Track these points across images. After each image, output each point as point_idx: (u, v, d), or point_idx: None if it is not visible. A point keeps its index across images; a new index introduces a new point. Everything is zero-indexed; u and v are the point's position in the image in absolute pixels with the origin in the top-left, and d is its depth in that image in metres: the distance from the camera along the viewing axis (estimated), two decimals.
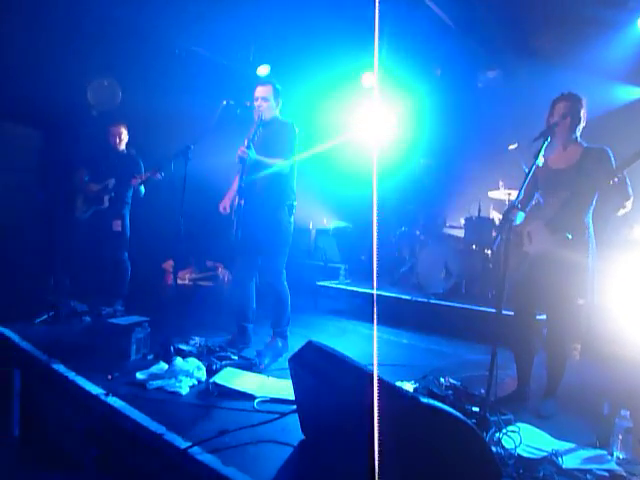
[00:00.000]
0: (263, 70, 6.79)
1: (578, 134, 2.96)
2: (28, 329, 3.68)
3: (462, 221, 6.07)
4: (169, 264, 6.51)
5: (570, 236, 2.75)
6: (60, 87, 5.21)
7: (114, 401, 2.52)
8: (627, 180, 2.72)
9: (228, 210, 3.74)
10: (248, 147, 3.46)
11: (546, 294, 2.89)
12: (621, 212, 2.78)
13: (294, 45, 6.29)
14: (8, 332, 3.60)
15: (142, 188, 5.00)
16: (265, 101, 3.69)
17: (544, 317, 3.11)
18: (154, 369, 3.00)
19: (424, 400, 1.63)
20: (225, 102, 3.54)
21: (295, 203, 3.73)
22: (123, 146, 5.18)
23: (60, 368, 2.94)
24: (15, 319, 3.89)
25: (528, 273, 2.94)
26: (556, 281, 2.81)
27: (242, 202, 3.57)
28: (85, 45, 5.34)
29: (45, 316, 4.20)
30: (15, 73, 5.03)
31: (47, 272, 5.38)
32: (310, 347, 2.12)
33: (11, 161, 5.65)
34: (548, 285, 2.85)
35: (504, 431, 2.29)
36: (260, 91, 3.74)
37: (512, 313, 3.04)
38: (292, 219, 3.72)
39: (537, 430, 2.53)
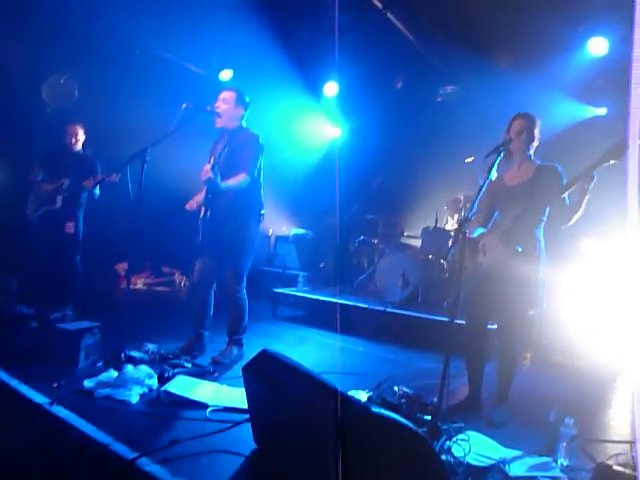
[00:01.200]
0: (225, 75, 6.83)
1: (532, 152, 3.06)
2: None
3: (419, 231, 6.16)
4: (122, 267, 6.44)
5: (520, 249, 2.83)
6: (14, 82, 5.19)
7: (59, 410, 2.44)
8: (567, 201, 2.82)
9: (194, 207, 3.68)
10: (214, 174, 3.39)
11: (497, 305, 2.97)
12: (570, 224, 2.86)
13: (257, 52, 6.30)
14: None
15: (97, 190, 4.86)
16: (225, 104, 3.65)
17: (495, 327, 3.18)
18: (103, 377, 2.89)
19: (375, 409, 1.64)
20: (185, 105, 3.44)
21: (263, 212, 3.75)
22: (79, 146, 5.07)
23: (2, 375, 2.84)
24: None
25: (480, 284, 3.01)
26: (507, 292, 2.88)
27: (208, 213, 3.57)
28: (42, 41, 5.27)
29: None
30: None
31: None
32: (264, 355, 2.11)
33: None
34: (499, 296, 2.92)
35: (454, 439, 2.32)
36: (223, 95, 3.72)
37: (464, 322, 3.10)
38: (260, 227, 3.75)
39: (486, 438, 2.57)
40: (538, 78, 5.33)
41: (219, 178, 3.41)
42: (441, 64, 6.44)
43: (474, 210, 2.70)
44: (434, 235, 5.88)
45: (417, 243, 6.29)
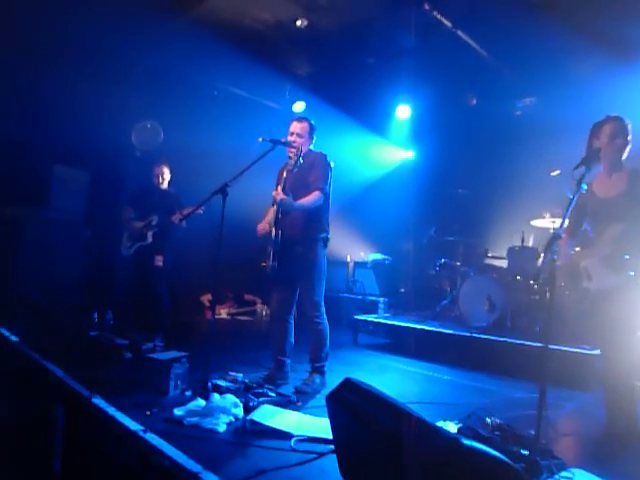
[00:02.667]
0: (299, 107, 6.96)
1: (624, 157, 2.88)
2: (72, 364, 3.71)
3: (505, 251, 5.90)
4: (207, 298, 6.59)
5: (633, 273, 2.66)
6: (106, 130, 5.52)
7: (152, 437, 2.52)
8: None
9: (266, 229, 3.69)
10: (286, 193, 3.48)
11: (603, 328, 2.79)
12: None
13: (328, 81, 6.43)
14: (52, 367, 3.64)
15: (183, 224, 4.96)
16: (300, 137, 3.74)
17: (598, 352, 2.98)
18: (191, 405, 2.95)
19: (467, 442, 1.55)
20: (261, 139, 3.54)
21: (329, 236, 3.74)
22: (165, 184, 5.30)
23: (101, 403, 2.96)
24: (60, 353, 3.96)
25: (592, 310, 2.82)
26: (616, 315, 2.71)
27: (279, 233, 3.56)
28: (129, 91, 5.68)
29: (89, 351, 4.27)
30: (65, 119, 5.30)
31: (91, 307, 5.29)
32: (348, 385, 2.06)
33: (62, 202, 6.00)
34: (606, 319, 2.75)
35: (556, 477, 2.17)
36: (295, 126, 3.79)
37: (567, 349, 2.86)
38: (325, 252, 3.71)
39: (593, 476, 2.35)
40: (624, 85, 5.05)
41: (291, 198, 3.46)
42: (517, 77, 6.26)
43: (564, 225, 2.54)
44: (521, 254, 5.61)
45: (502, 264, 6.03)
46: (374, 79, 6.42)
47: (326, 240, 3.71)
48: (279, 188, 3.52)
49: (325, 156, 3.71)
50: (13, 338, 4.39)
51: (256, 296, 7.26)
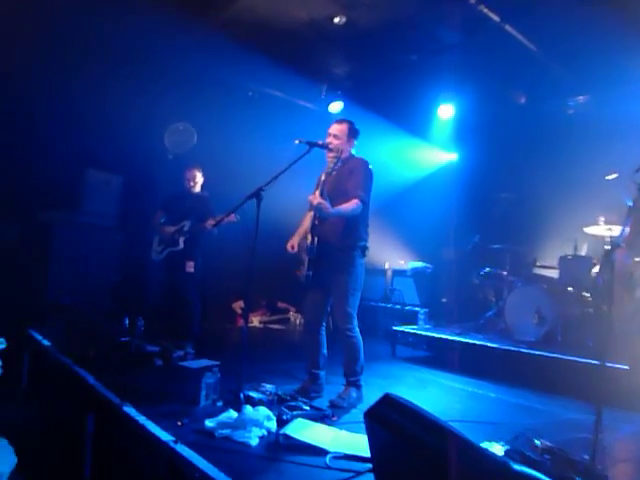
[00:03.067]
0: (336, 107, 6.90)
1: None
2: (103, 370, 3.78)
3: (556, 260, 5.73)
4: (239, 305, 6.62)
5: None
6: (139, 133, 5.64)
7: (182, 449, 2.54)
8: None
9: (295, 249, 3.73)
10: (323, 198, 3.46)
11: None
12: None
13: (367, 80, 6.37)
14: (83, 373, 3.71)
15: (215, 230, 5.01)
16: (337, 139, 3.71)
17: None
18: (223, 417, 2.95)
19: (517, 467, 1.51)
20: (297, 141, 3.54)
21: (368, 245, 3.71)
22: (198, 188, 5.34)
23: (131, 412, 3.00)
24: (91, 360, 4.05)
25: None
26: None
27: (315, 240, 3.56)
28: (162, 93, 5.71)
29: (120, 357, 4.35)
30: (97, 122, 5.45)
31: (122, 313, 5.46)
32: (387, 401, 2.00)
33: (95, 206, 6.14)
34: None
35: None
36: (334, 128, 3.77)
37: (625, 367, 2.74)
38: (364, 261, 3.69)
39: None
40: None
41: (328, 204, 3.43)
42: (569, 73, 6.10)
43: (624, 234, 2.43)
44: (574, 264, 5.44)
45: (553, 274, 5.86)
46: (415, 77, 6.34)
47: (364, 249, 3.68)
48: (316, 193, 3.52)
49: (367, 163, 3.67)
50: (45, 343, 4.48)
51: (289, 304, 7.28)
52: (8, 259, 5.42)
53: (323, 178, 3.71)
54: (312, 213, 3.62)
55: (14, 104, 5.26)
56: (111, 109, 5.43)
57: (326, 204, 3.39)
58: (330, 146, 3.67)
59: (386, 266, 7.32)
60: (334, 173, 3.69)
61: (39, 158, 5.61)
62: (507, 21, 5.45)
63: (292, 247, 3.75)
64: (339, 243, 3.58)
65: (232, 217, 4.41)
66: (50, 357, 4.17)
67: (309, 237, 3.59)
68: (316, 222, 3.58)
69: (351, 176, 3.60)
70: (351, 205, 3.49)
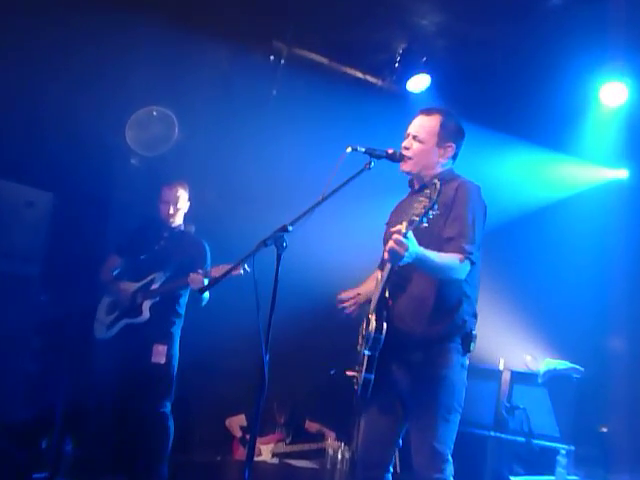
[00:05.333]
0: (418, 84, 6.44)
1: None
2: None
3: None
4: (236, 422, 6.41)
5: None
6: (82, 124, 5.43)
7: None
8: None
9: (352, 309, 3.65)
10: (405, 235, 3.04)
11: None
12: None
13: (472, 36, 6.04)
14: None
15: (206, 294, 4.82)
16: (420, 143, 3.52)
17: None
18: None
19: None
20: (349, 149, 3.32)
21: (475, 331, 3.43)
22: (179, 219, 5.16)
23: None
24: None
25: None
26: None
27: (383, 325, 3.30)
28: (128, 64, 5.61)
29: None
30: (15, 111, 5.37)
31: (39, 429, 5.37)
32: None
33: (7, 240, 5.78)
34: None
35: None
36: (416, 124, 3.58)
37: None
38: (467, 361, 3.46)
39: None
40: None
41: (413, 242, 3.08)
42: None
43: None
44: None
45: None
46: (557, 35, 5.82)
47: (469, 339, 3.44)
48: (399, 227, 3.12)
49: (478, 190, 3.52)
50: None
51: (326, 425, 6.93)
52: None
53: (407, 209, 3.53)
54: (385, 273, 3.38)
55: None
56: (34, 86, 5.34)
57: (414, 244, 3.09)
58: (407, 152, 3.51)
59: (500, 366, 6.73)
60: (415, 204, 3.37)
61: None
62: None
63: (354, 304, 3.67)
64: (426, 329, 3.39)
65: (238, 270, 4.24)
66: None
67: (372, 320, 3.35)
68: (386, 294, 3.37)
69: (448, 212, 3.43)
70: (452, 260, 3.29)
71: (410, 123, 3.59)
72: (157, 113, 6.00)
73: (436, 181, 3.15)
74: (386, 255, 3.11)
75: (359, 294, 3.70)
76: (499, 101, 6.31)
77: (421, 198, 3.26)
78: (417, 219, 3.13)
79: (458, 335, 3.37)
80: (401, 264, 3.10)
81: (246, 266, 4.21)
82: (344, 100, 6.31)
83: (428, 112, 3.59)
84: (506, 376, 6.48)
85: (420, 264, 3.15)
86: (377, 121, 5.69)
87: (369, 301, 3.58)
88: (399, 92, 6.56)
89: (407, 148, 3.50)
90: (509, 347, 6.64)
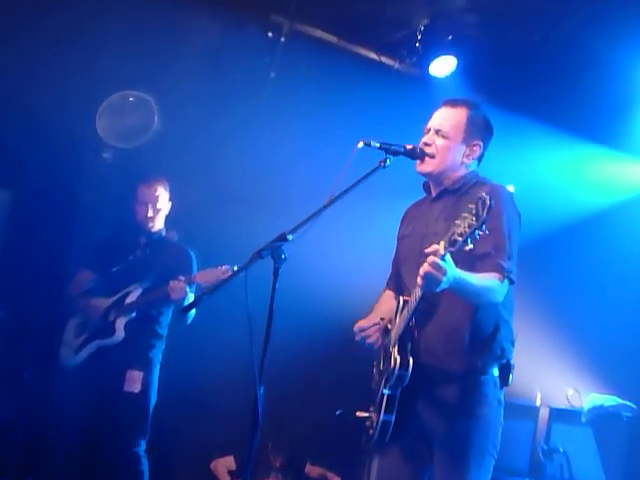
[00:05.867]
0: (442, 67, 6.23)
1: None
2: None
3: None
4: (225, 465, 6.23)
5: None
6: (45, 112, 5.42)
7: None
8: None
9: (376, 338, 3.50)
10: (443, 258, 2.97)
11: None
12: None
13: (505, 12, 5.82)
14: None
15: (192, 311, 4.76)
16: (444, 138, 3.47)
17: None
18: None
19: None
20: (361, 143, 3.26)
21: (512, 360, 3.40)
22: (159, 223, 5.12)
23: None
24: None
25: None
26: None
27: (409, 360, 3.24)
28: (97, 40, 5.51)
29: None
30: None
31: None
32: None
33: None
34: None
35: None
36: (440, 117, 3.54)
37: None
38: (503, 396, 3.39)
39: None
40: None
41: (451, 265, 2.98)
42: None
43: None
44: None
45: None
46: (602, 15, 5.56)
47: (507, 370, 3.38)
48: (441, 245, 3.04)
49: (512, 197, 3.50)
50: None
51: (330, 470, 6.71)
52: None
53: (427, 216, 3.61)
54: (410, 301, 3.30)
55: None
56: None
57: (452, 268, 2.99)
58: (429, 153, 3.47)
59: (537, 401, 6.62)
60: (436, 212, 3.52)
61: None
62: None
63: (373, 335, 3.53)
64: (461, 362, 3.32)
65: (224, 271, 4.49)
66: None
67: (395, 354, 3.30)
68: (411, 322, 3.28)
69: (488, 230, 3.19)
70: (491, 281, 3.22)
71: (432, 116, 3.50)
72: (134, 98, 5.90)
73: (485, 196, 2.90)
74: (420, 280, 2.93)
75: (382, 319, 3.53)
76: (537, 88, 6.15)
77: (465, 214, 2.96)
78: (460, 239, 2.89)
79: (495, 366, 3.27)
80: (437, 291, 2.96)
81: (232, 268, 4.31)
82: (354, 85, 6.17)
83: (453, 104, 3.50)
84: (544, 413, 6.33)
85: (457, 289, 3.00)
86: (393, 111, 5.54)
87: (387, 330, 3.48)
88: (420, 76, 6.37)
89: (428, 144, 3.41)
90: (547, 379, 6.52)
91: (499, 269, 3.11)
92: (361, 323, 3.50)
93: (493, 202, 3.03)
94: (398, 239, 3.66)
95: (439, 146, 3.39)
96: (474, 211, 2.92)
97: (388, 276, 3.64)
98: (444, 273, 2.81)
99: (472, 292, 3.10)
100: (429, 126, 3.46)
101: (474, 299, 3.18)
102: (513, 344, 3.36)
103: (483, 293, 3.14)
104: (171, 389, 5.24)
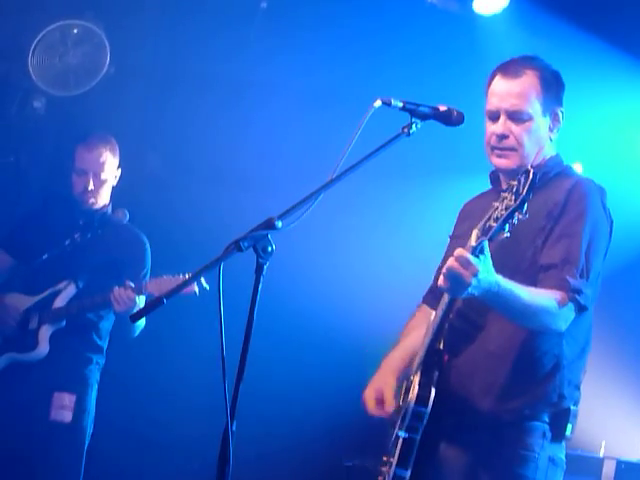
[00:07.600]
0: (491, 2, 5.64)
1: None
2: None
3: None
4: None
5: None
6: None
7: None
8: None
9: (388, 410, 3.22)
10: (476, 252, 2.69)
11: None
12: None
13: None
14: None
15: (142, 321, 4.47)
16: (527, 121, 3.21)
17: None
18: None
19: None
20: (380, 102, 2.85)
21: (575, 406, 3.14)
22: (104, 199, 4.83)
23: None
24: None
25: None
26: None
27: (430, 396, 3.02)
28: None
29: None
30: None
31: None
32: None
33: None
34: None
35: None
36: (508, 93, 3.25)
37: None
38: (562, 453, 3.15)
39: None
40: None
41: (491, 269, 2.73)
42: None
43: None
44: None
45: None
46: None
47: (564, 419, 3.09)
48: (473, 236, 2.79)
49: (602, 196, 3.19)
50: None
51: None
52: None
53: (487, 211, 3.05)
54: (442, 309, 3.05)
55: None
56: None
57: (488, 268, 2.70)
58: (509, 146, 3.27)
59: (601, 452, 6.25)
60: (496, 203, 2.94)
61: None
62: None
63: (387, 410, 3.24)
64: (500, 403, 3.08)
65: (189, 288, 4.07)
66: None
67: (415, 383, 3.12)
68: (440, 345, 3.18)
69: (552, 224, 3.15)
70: (547, 300, 2.89)
71: (489, 91, 3.21)
72: (78, 30, 5.40)
73: (529, 167, 2.69)
74: (442, 281, 2.68)
75: (391, 406, 3.24)
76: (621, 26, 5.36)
77: (504, 194, 2.77)
78: (494, 225, 2.67)
79: (546, 412, 3.03)
80: (464, 297, 2.79)
81: (203, 281, 4.11)
82: (368, 19, 5.67)
83: (517, 70, 3.19)
84: (609, 467, 5.81)
85: (495, 301, 2.79)
86: (421, 58, 5.15)
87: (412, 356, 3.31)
88: (460, 14, 5.83)
89: (505, 136, 3.14)
90: (614, 425, 6.17)
91: (564, 287, 2.84)
92: (368, 395, 3.20)
93: (573, 196, 3.04)
94: (450, 239, 3.37)
95: (519, 135, 3.12)
96: (514, 188, 2.70)
97: (428, 287, 3.35)
98: (474, 273, 2.53)
99: (517, 309, 2.82)
100: (495, 107, 3.15)
101: (521, 320, 2.90)
102: (578, 388, 3.06)
103: (534, 314, 2.86)
104: (113, 418, 5.07)
